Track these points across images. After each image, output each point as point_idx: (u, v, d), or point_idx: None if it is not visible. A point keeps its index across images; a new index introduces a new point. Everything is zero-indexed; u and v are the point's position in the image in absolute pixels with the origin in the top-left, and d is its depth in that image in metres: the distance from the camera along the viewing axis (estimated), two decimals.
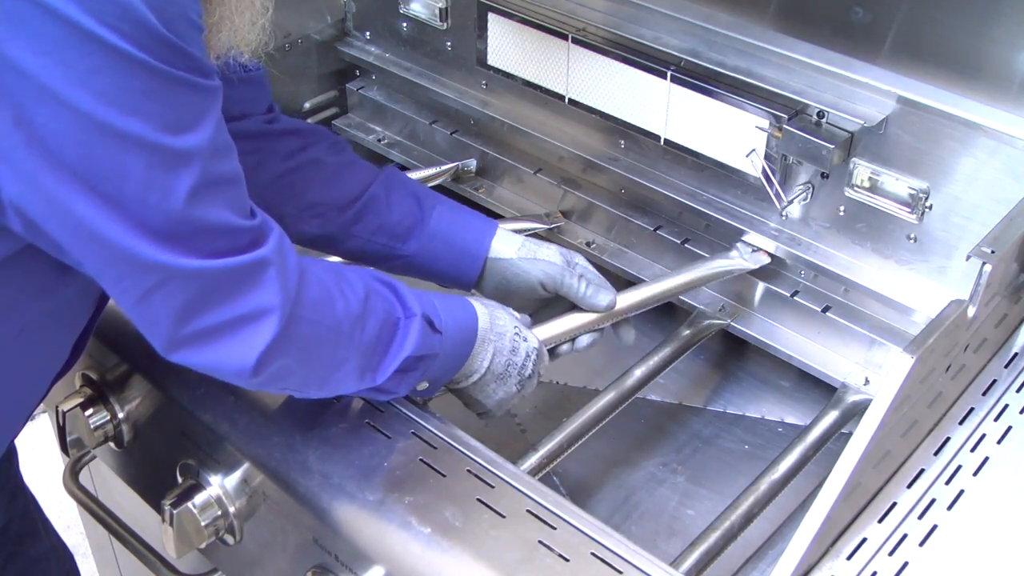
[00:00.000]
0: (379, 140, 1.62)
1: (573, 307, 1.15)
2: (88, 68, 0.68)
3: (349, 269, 0.94)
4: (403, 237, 1.16)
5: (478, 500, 0.93)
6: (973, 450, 1.00)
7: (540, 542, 0.89)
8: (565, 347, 1.15)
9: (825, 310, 1.21)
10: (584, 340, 1.15)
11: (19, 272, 0.83)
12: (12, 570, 1.17)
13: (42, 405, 1.10)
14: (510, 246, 1.16)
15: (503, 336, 1.04)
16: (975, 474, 0.97)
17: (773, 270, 1.24)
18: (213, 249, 0.77)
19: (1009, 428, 1.02)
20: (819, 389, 1.24)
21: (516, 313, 1.10)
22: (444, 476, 0.95)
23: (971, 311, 0.93)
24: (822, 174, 1.14)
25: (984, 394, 1.05)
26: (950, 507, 0.94)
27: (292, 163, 1.16)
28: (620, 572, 0.87)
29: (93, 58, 0.68)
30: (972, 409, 1.04)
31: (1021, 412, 1.04)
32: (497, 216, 1.48)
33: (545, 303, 1.17)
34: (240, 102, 1.13)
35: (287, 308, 0.81)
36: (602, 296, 1.13)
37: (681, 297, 1.31)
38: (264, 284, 0.80)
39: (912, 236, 1.12)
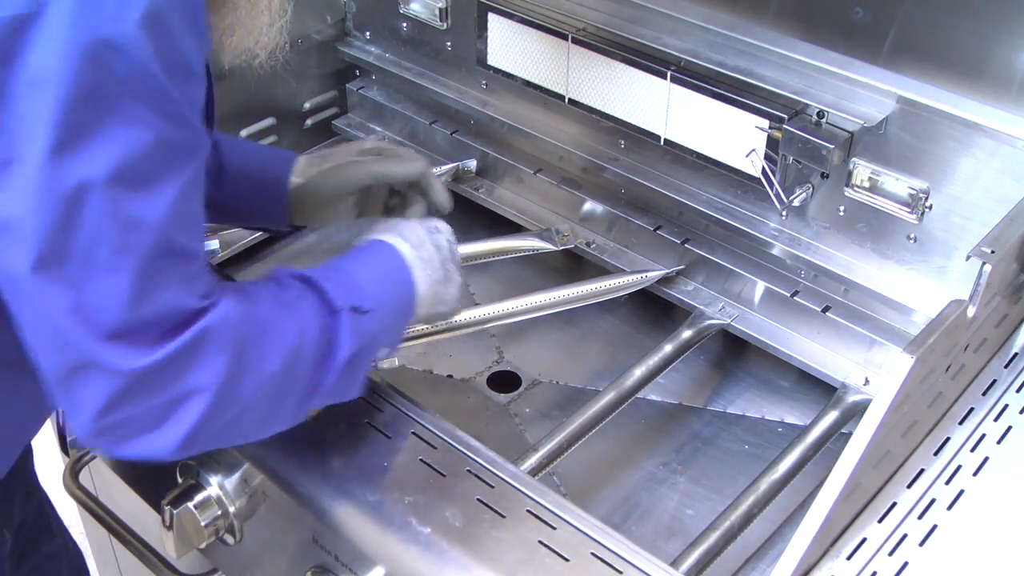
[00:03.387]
0: (379, 140, 1.62)
1: (392, 189, 1.15)
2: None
3: (279, 276, 0.90)
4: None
5: (478, 500, 0.93)
6: (973, 450, 1.00)
7: (540, 542, 0.89)
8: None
9: (825, 310, 1.21)
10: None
11: None
12: (25, 568, 1.17)
13: None
14: (303, 171, 1.13)
15: (423, 244, 0.99)
16: (975, 474, 0.97)
17: (773, 270, 1.24)
18: (153, 340, 0.73)
19: (1009, 428, 1.02)
20: (819, 389, 1.24)
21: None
22: (444, 476, 0.95)
23: (971, 311, 0.93)
24: (822, 174, 1.14)
25: (984, 394, 1.05)
26: (950, 507, 0.94)
27: None
28: (620, 572, 0.87)
29: None
30: (972, 409, 1.04)
31: (1021, 412, 1.04)
32: (498, 218, 1.49)
33: (362, 198, 1.15)
34: None
35: (224, 384, 0.77)
36: (409, 164, 1.12)
37: (681, 297, 1.31)
38: (201, 362, 0.76)
39: (912, 236, 1.12)
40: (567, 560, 0.88)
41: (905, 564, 0.89)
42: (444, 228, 1.03)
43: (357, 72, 1.64)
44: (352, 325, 0.88)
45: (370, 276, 0.94)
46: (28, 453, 1.16)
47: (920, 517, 0.94)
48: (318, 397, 0.88)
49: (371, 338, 0.91)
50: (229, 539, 1.04)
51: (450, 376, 1.35)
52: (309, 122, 1.65)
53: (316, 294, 0.89)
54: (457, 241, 1.04)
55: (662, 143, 1.26)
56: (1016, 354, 1.10)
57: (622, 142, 1.34)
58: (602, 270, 1.37)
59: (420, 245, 0.99)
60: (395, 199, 1.16)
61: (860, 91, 1.10)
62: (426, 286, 0.98)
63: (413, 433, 0.99)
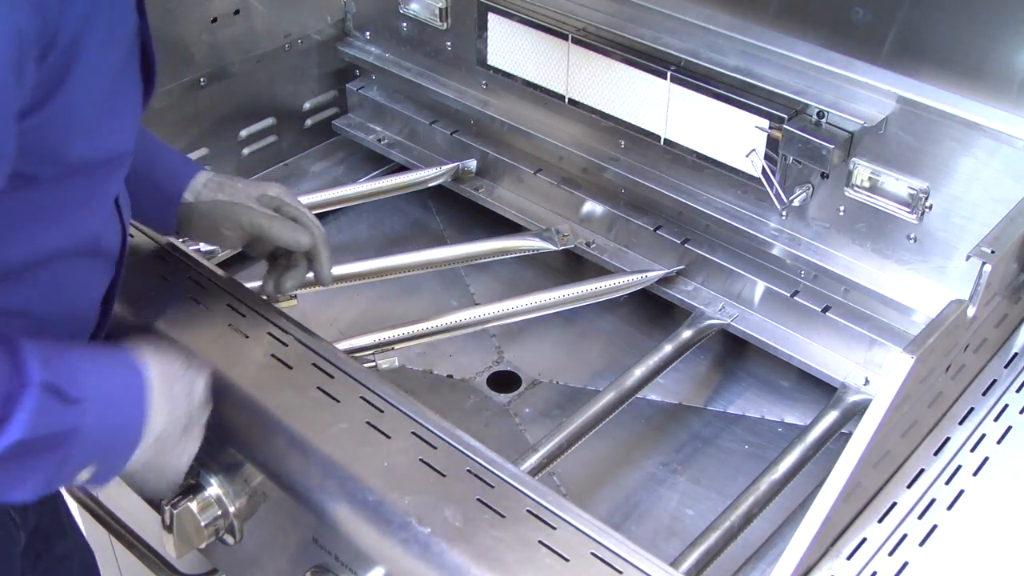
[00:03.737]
0: (379, 140, 1.62)
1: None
2: None
3: None
4: None
5: (478, 500, 0.93)
6: (973, 450, 1.00)
7: (540, 542, 0.89)
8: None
9: (825, 310, 1.21)
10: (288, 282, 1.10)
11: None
12: (39, 568, 1.17)
13: None
14: (207, 189, 1.08)
15: (176, 381, 0.89)
16: (975, 474, 0.97)
17: (773, 270, 1.24)
18: None
19: (1009, 428, 1.02)
20: (819, 389, 1.24)
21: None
22: (444, 476, 0.95)
23: (971, 311, 0.93)
24: (822, 174, 1.14)
25: (984, 394, 1.05)
26: (950, 507, 0.94)
27: None
28: (620, 572, 0.87)
29: None
30: (972, 409, 1.04)
31: (1021, 412, 1.04)
32: (498, 218, 1.49)
33: (252, 243, 1.10)
34: None
35: None
36: (300, 235, 1.07)
37: (681, 297, 1.31)
38: None
39: (912, 236, 1.12)
40: (567, 560, 0.88)
41: (905, 564, 0.89)
42: (204, 381, 0.93)
43: (357, 72, 1.64)
44: (41, 406, 0.75)
45: (94, 373, 0.82)
46: None
47: (920, 517, 0.93)
48: None
49: (66, 436, 0.78)
50: (229, 539, 1.04)
51: (450, 376, 1.35)
52: (309, 122, 1.66)
53: (8, 357, 0.75)
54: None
55: (662, 143, 1.26)
56: (1016, 354, 1.09)
57: (622, 142, 1.34)
58: (602, 270, 1.37)
59: (172, 379, 0.89)
60: (282, 254, 1.12)
61: (860, 91, 1.10)
62: (161, 422, 0.86)
63: (413, 433, 0.99)
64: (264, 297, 1.11)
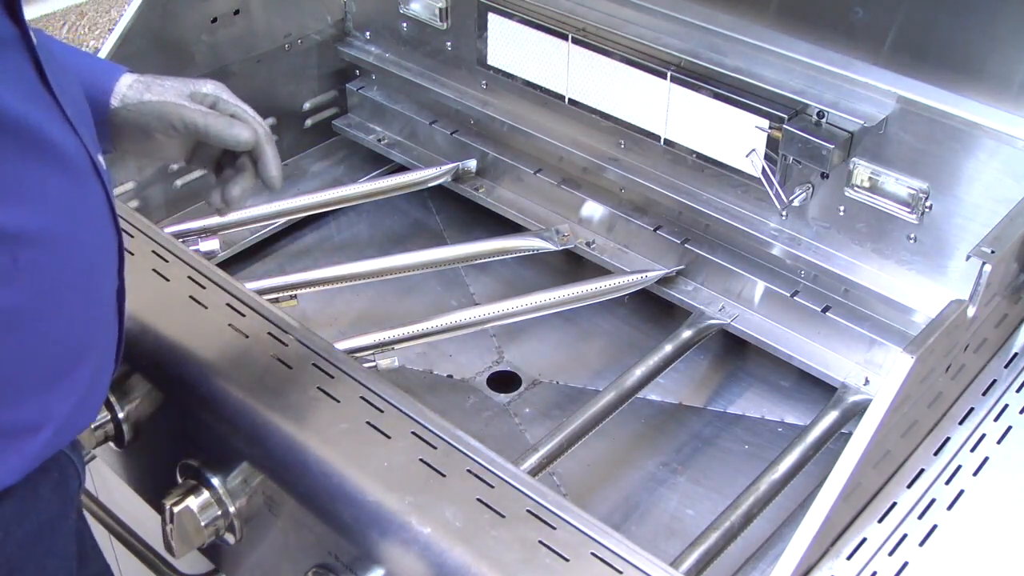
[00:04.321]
0: (379, 140, 1.62)
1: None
2: None
3: None
4: None
5: (478, 500, 0.93)
6: (973, 450, 1.00)
7: (540, 542, 0.89)
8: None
9: (825, 310, 1.21)
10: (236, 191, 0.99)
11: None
12: None
13: None
14: (121, 95, 0.99)
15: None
16: (975, 474, 0.97)
17: (773, 270, 1.24)
18: None
19: (1009, 428, 1.02)
20: (819, 389, 1.24)
21: None
22: (444, 476, 0.95)
23: (971, 311, 0.93)
24: (822, 174, 1.14)
25: (984, 394, 1.05)
26: (950, 507, 0.94)
27: None
28: (620, 572, 0.87)
29: None
30: (972, 409, 1.04)
31: (1021, 412, 1.04)
32: (498, 218, 1.49)
33: (193, 147, 1.01)
34: None
35: None
36: (238, 129, 0.96)
37: (681, 297, 1.31)
38: None
39: (912, 236, 1.12)
40: (567, 560, 0.88)
41: (905, 564, 0.89)
42: None
43: (357, 72, 1.64)
44: None
45: None
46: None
47: (920, 517, 0.94)
48: None
49: None
50: (229, 539, 1.04)
51: (450, 376, 1.35)
52: (309, 122, 1.66)
53: None
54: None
55: (662, 143, 1.26)
56: (1016, 354, 1.10)
57: (622, 142, 1.34)
58: (602, 270, 1.37)
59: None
60: (227, 159, 1.01)
61: (860, 91, 1.10)
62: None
63: (413, 433, 0.99)
64: (216, 212, 1.01)
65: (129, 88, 0.99)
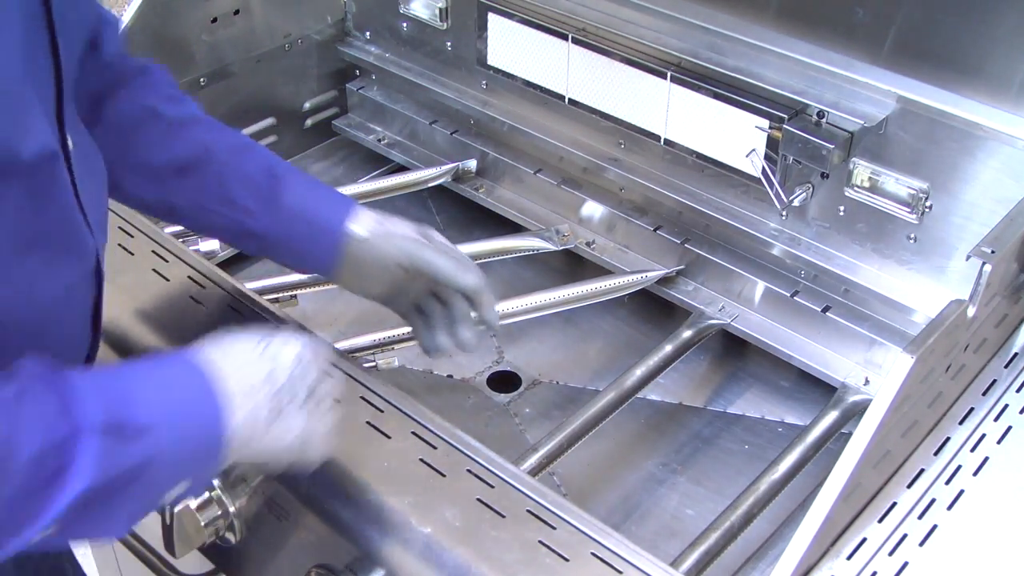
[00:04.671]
0: (379, 140, 1.62)
1: (433, 291, 1.04)
2: None
3: (19, 365, 0.71)
4: (254, 212, 0.99)
5: (478, 500, 0.93)
6: (973, 450, 1.00)
7: (540, 542, 0.89)
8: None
9: (825, 310, 1.21)
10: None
11: None
12: None
13: None
14: (365, 226, 1.01)
15: (247, 367, 0.80)
16: (975, 474, 0.97)
17: (773, 270, 1.24)
18: None
19: (1009, 428, 1.02)
20: (819, 389, 1.24)
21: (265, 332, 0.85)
22: (444, 476, 0.95)
23: (971, 311, 0.93)
24: (822, 174, 1.14)
25: (984, 394, 1.05)
26: (950, 507, 0.94)
27: (123, 111, 0.98)
28: (620, 572, 0.87)
29: None
30: (972, 409, 1.04)
31: (1021, 412, 1.04)
32: (498, 218, 1.49)
33: (403, 286, 1.04)
34: None
35: None
36: (467, 273, 1.00)
37: (681, 297, 1.31)
38: None
39: (912, 236, 1.12)
40: (567, 560, 0.88)
41: (905, 564, 0.89)
42: (292, 349, 0.83)
43: (357, 72, 1.64)
44: (104, 449, 0.69)
45: (157, 390, 0.75)
46: None
47: (920, 517, 0.93)
48: (38, 527, 0.67)
49: (141, 469, 0.71)
50: (229, 539, 1.04)
51: (450, 376, 1.35)
52: (309, 122, 1.66)
53: (55, 398, 0.69)
54: (320, 368, 0.84)
55: (662, 143, 1.26)
56: (1016, 354, 1.09)
57: (622, 142, 1.34)
58: (602, 270, 1.37)
59: (243, 367, 0.79)
60: (431, 303, 1.05)
61: (860, 91, 1.10)
62: (242, 415, 0.77)
63: (413, 433, 0.99)
64: (430, 353, 1.04)
65: (365, 221, 1.01)
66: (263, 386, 0.79)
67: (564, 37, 1.28)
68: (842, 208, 1.16)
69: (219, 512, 1.02)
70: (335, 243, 1.00)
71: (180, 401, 0.75)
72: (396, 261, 1.01)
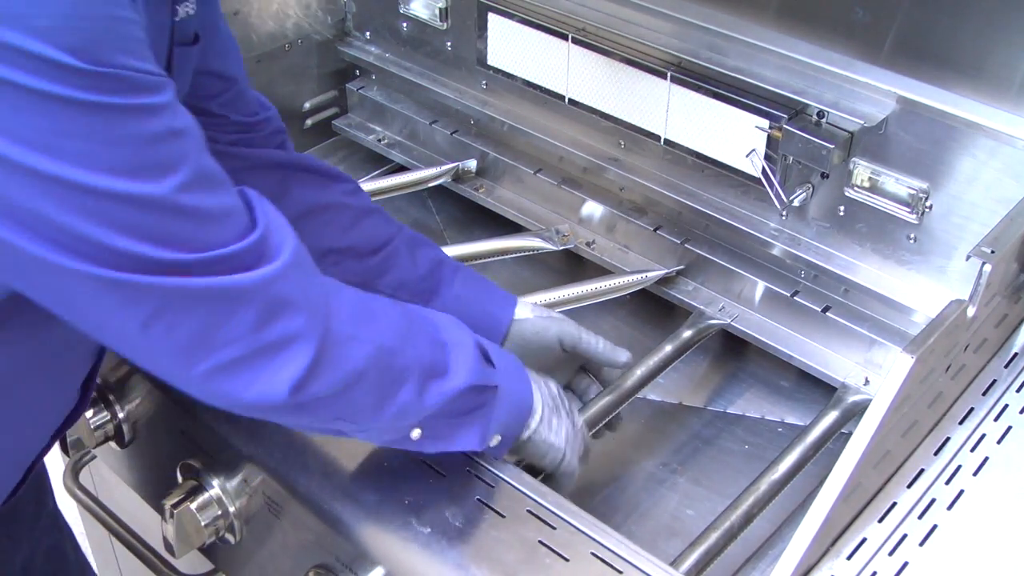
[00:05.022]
0: (379, 140, 1.62)
1: (583, 368, 1.17)
2: (2, 112, 0.61)
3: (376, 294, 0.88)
4: (427, 296, 1.11)
5: (478, 500, 0.93)
6: (973, 450, 1.00)
7: (540, 542, 0.89)
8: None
9: (825, 310, 1.21)
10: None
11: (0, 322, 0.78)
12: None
13: None
14: (526, 308, 1.13)
15: (536, 377, 1.00)
16: (975, 474, 0.97)
17: (773, 270, 1.24)
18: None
19: (1009, 428, 1.02)
20: (819, 389, 1.24)
21: None
22: (444, 476, 0.95)
23: (971, 311, 0.93)
24: (822, 174, 1.14)
25: (984, 394, 1.05)
26: (950, 507, 0.94)
27: (309, 203, 1.09)
28: (620, 572, 0.87)
29: (3, 100, 0.61)
30: (972, 409, 1.04)
31: (1021, 412, 1.04)
32: (498, 218, 1.49)
33: (553, 366, 1.13)
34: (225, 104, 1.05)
35: (319, 327, 0.74)
36: (619, 351, 1.12)
37: (681, 297, 1.31)
38: (283, 302, 0.72)
39: (912, 236, 1.12)
40: (567, 560, 0.88)
41: (905, 564, 0.89)
42: (553, 382, 1.03)
43: (357, 72, 1.64)
44: (476, 359, 0.88)
45: (492, 348, 0.93)
46: (44, 489, 1.15)
47: (920, 517, 0.94)
48: (422, 412, 0.85)
49: (492, 393, 0.89)
50: (229, 539, 1.04)
51: None
52: (309, 122, 1.66)
53: (434, 318, 0.89)
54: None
55: (662, 143, 1.26)
56: (1016, 354, 1.10)
57: (622, 142, 1.34)
58: (602, 270, 1.37)
59: (536, 377, 1.00)
60: (582, 380, 1.17)
61: (860, 91, 1.10)
62: (537, 400, 0.96)
63: None
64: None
65: (526, 306, 1.13)
66: (546, 387, 0.99)
67: (564, 37, 1.28)
68: (842, 208, 1.16)
69: (219, 512, 1.02)
70: (503, 327, 1.11)
71: (509, 362, 0.94)
72: (558, 337, 1.11)
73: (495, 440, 0.93)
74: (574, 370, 1.16)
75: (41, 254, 0.65)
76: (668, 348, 1.23)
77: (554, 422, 0.98)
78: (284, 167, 1.09)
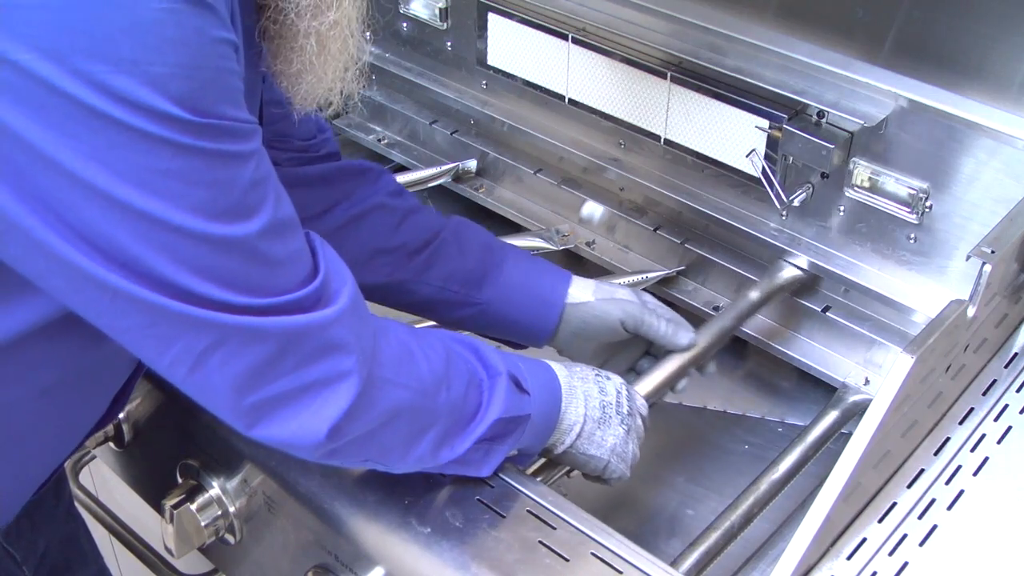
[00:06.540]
0: (379, 140, 1.62)
1: (647, 351, 1.14)
2: (101, 144, 0.63)
3: (423, 329, 0.90)
4: (477, 284, 1.12)
5: (478, 500, 0.93)
6: (973, 450, 1.00)
7: (540, 542, 0.89)
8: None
9: (825, 310, 1.21)
10: (681, 384, 1.13)
11: (46, 337, 0.79)
12: None
13: None
14: (586, 290, 1.12)
15: (586, 380, 0.98)
16: (975, 474, 0.97)
17: None
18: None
19: (1009, 428, 1.02)
20: (819, 389, 1.24)
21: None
22: (444, 476, 0.95)
23: (971, 311, 0.93)
24: (822, 174, 1.14)
25: (984, 394, 1.05)
26: (950, 507, 0.94)
27: (357, 208, 1.11)
28: (620, 572, 0.87)
29: (105, 134, 0.63)
30: (972, 409, 1.04)
31: (1021, 412, 1.04)
32: (498, 218, 1.49)
33: (617, 348, 1.13)
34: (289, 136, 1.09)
35: (364, 370, 0.76)
36: (682, 333, 1.10)
37: (681, 297, 1.31)
38: (336, 345, 0.74)
39: (912, 236, 1.12)
40: (567, 560, 0.88)
41: (905, 564, 0.89)
42: (617, 380, 1.00)
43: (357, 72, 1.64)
44: (510, 391, 0.88)
45: (529, 370, 0.93)
46: (63, 482, 1.15)
47: (920, 517, 0.94)
48: (460, 442, 0.87)
49: (523, 421, 0.90)
50: (229, 539, 1.04)
51: None
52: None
53: (472, 352, 0.89)
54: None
55: (662, 143, 1.26)
56: (1016, 354, 1.10)
57: (622, 142, 1.34)
58: (602, 270, 1.37)
59: (582, 378, 0.98)
60: (646, 362, 1.14)
61: (860, 91, 1.10)
62: (575, 415, 0.95)
63: None
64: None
65: (584, 285, 1.12)
66: (598, 395, 0.97)
67: (564, 37, 1.28)
68: (842, 208, 1.16)
69: (219, 512, 1.02)
70: (556, 310, 1.11)
71: (543, 384, 0.93)
72: (620, 320, 1.09)
73: (512, 453, 0.94)
74: (641, 350, 1.15)
75: (112, 282, 0.67)
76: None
77: (597, 434, 0.97)
78: (332, 179, 1.12)
